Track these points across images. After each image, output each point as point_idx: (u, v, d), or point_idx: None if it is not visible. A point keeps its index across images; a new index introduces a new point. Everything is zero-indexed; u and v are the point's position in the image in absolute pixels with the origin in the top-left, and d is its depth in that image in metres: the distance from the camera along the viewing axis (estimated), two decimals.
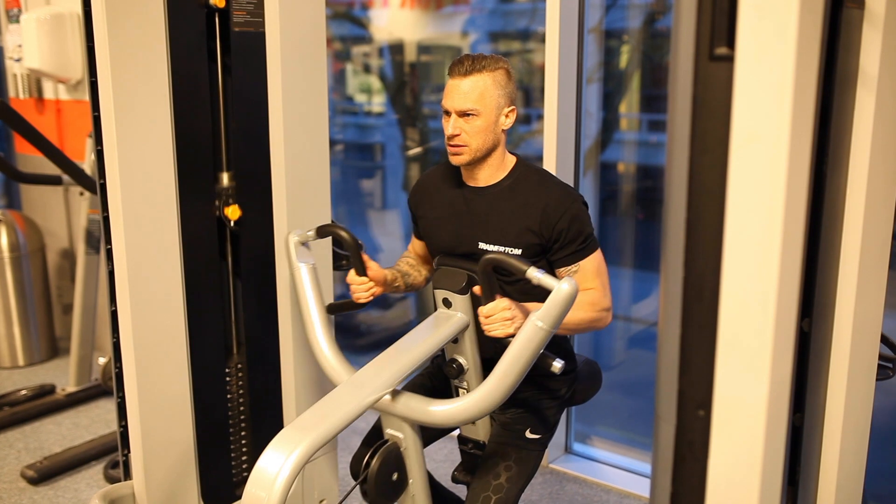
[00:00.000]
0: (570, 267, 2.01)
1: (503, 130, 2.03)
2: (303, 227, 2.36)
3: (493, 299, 1.85)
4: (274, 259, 2.42)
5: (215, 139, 2.52)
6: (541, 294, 2.00)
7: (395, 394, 1.91)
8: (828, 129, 1.35)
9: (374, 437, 2.22)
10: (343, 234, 2.11)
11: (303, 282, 2.17)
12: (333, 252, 2.54)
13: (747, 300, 1.01)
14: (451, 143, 2.01)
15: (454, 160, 2.03)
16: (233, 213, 2.49)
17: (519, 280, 2.02)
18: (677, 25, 1.02)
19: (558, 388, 2.17)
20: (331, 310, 2.16)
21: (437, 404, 1.88)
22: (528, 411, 2.12)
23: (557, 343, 2.14)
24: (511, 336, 1.83)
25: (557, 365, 1.82)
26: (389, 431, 2.00)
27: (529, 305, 1.88)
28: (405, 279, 2.26)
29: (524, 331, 1.76)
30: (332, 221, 2.13)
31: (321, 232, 2.19)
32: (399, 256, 2.38)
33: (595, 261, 2.02)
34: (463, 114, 1.98)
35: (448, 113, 2.01)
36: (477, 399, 1.82)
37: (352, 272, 2.11)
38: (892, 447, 3.12)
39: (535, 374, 2.12)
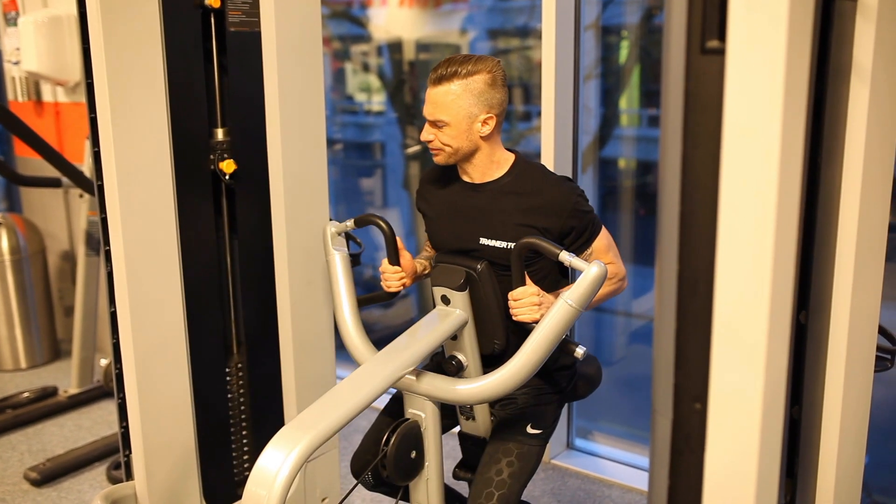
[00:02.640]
0: (585, 252, 2.05)
1: (482, 137, 2.02)
2: (301, 226, 2.37)
3: (522, 283, 1.93)
4: (272, 261, 2.42)
5: (212, 139, 2.52)
6: (549, 286, 2.04)
7: (418, 373, 1.98)
8: (822, 122, 1.35)
9: (376, 434, 2.22)
10: (381, 223, 2.17)
11: (336, 268, 2.26)
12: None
13: (742, 293, 1.01)
14: (428, 145, 2.07)
15: (434, 159, 2.09)
16: (228, 166, 2.54)
17: (531, 267, 2.03)
18: (668, 19, 1.02)
19: (558, 383, 2.17)
20: (359, 303, 2.24)
21: (461, 383, 1.95)
22: (528, 407, 2.12)
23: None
24: (536, 322, 1.89)
25: (580, 351, 1.94)
26: (412, 410, 2.06)
27: (552, 296, 1.95)
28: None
29: (555, 308, 1.84)
30: (374, 215, 2.23)
31: (360, 222, 2.25)
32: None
33: (604, 238, 2.08)
34: (433, 123, 2.01)
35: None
36: (505, 376, 1.89)
37: (385, 261, 2.18)
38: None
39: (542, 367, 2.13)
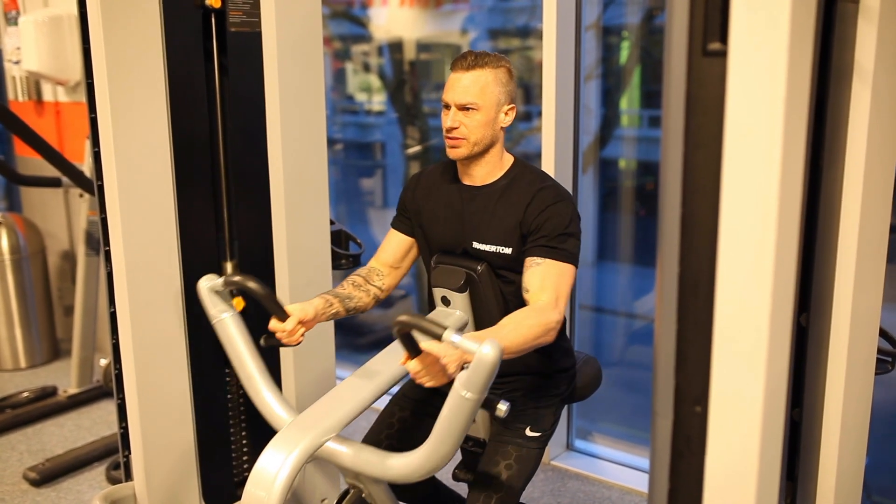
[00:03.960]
0: (535, 258, 1.93)
1: (502, 128, 2.03)
2: (302, 226, 2.37)
3: (417, 354, 1.65)
4: (273, 262, 2.42)
5: (212, 139, 2.52)
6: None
7: (348, 445, 1.82)
8: (824, 124, 1.35)
9: (376, 434, 2.22)
10: (252, 285, 1.94)
11: (228, 335, 2.07)
12: (332, 252, 2.54)
13: (743, 295, 1.01)
14: (450, 135, 2.00)
15: (452, 153, 2.02)
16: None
17: (516, 281, 2.01)
18: (670, 20, 1.02)
19: (558, 385, 2.17)
20: (268, 342, 2.02)
21: (388, 458, 1.80)
22: (527, 409, 2.12)
23: (556, 342, 2.14)
24: (452, 380, 1.66)
25: (503, 408, 1.66)
26: (349, 480, 1.97)
27: (476, 336, 1.66)
28: (345, 303, 2.08)
29: (451, 402, 1.63)
30: (244, 275, 1.99)
31: (228, 283, 2.04)
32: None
33: (561, 269, 1.92)
34: (463, 107, 1.98)
35: (448, 106, 2.00)
36: (415, 461, 1.74)
37: (273, 320, 1.94)
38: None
39: (533, 372, 2.13)
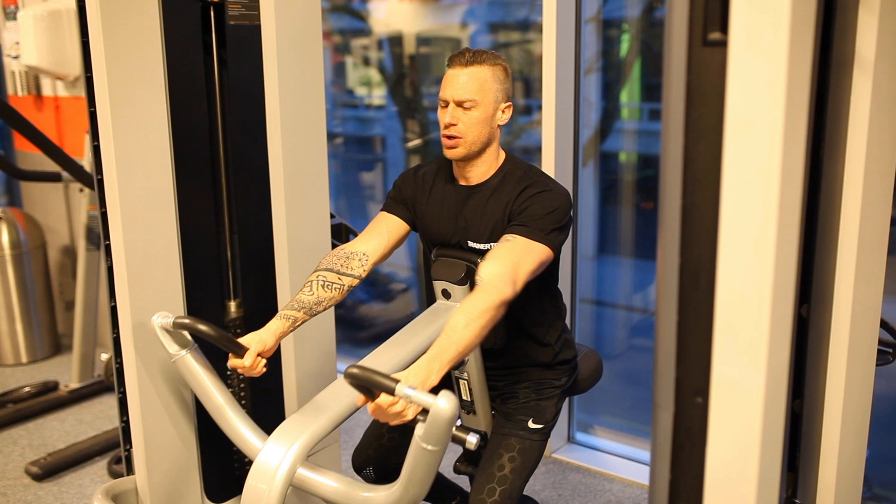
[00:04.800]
0: (507, 235, 1.90)
1: (499, 126, 2.02)
2: (302, 220, 2.36)
3: (374, 398, 1.58)
4: (273, 255, 2.42)
5: (212, 133, 2.51)
6: (533, 295, 2.00)
7: (319, 472, 1.79)
8: (824, 114, 1.35)
9: (378, 428, 2.22)
10: (202, 328, 1.91)
11: (190, 371, 2.06)
12: (333, 245, 2.54)
13: (743, 287, 1.01)
14: (448, 132, 1.98)
15: (449, 153, 2.00)
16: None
17: None
18: (670, 11, 1.01)
19: (559, 377, 2.17)
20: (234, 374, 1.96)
21: (364, 493, 1.76)
22: (529, 402, 2.12)
23: (557, 334, 2.14)
24: (413, 421, 1.59)
25: (472, 440, 1.56)
26: None
27: (422, 369, 1.63)
28: (312, 311, 2.01)
29: (414, 452, 1.60)
30: (193, 318, 1.96)
31: (177, 325, 2.02)
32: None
33: (530, 246, 1.87)
34: (461, 103, 1.96)
35: (446, 104, 1.99)
36: (388, 499, 1.71)
37: (231, 357, 1.89)
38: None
39: (534, 364, 2.13)
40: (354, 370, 1.55)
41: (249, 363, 1.87)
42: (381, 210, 2.18)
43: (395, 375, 1.57)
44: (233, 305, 2.66)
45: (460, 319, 1.70)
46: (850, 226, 1.43)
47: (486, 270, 1.79)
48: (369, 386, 1.56)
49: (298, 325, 2.00)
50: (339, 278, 2.03)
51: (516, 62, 4.10)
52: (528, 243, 1.88)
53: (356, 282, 2.07)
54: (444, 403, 1.50)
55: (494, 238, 1.99)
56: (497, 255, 1.84)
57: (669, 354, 1.10)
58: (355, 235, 2.61)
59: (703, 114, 1.00)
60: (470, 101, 1.96)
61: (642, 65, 3.67)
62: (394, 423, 1.60)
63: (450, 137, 1.99)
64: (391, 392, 1.53)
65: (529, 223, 1.90)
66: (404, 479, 1.65)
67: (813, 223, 1.41)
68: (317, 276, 2.03)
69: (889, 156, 1.43)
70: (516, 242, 1.87)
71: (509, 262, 1.81)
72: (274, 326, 1.95)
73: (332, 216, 2.55)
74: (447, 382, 2.21)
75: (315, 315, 2.02)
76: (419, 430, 1.56)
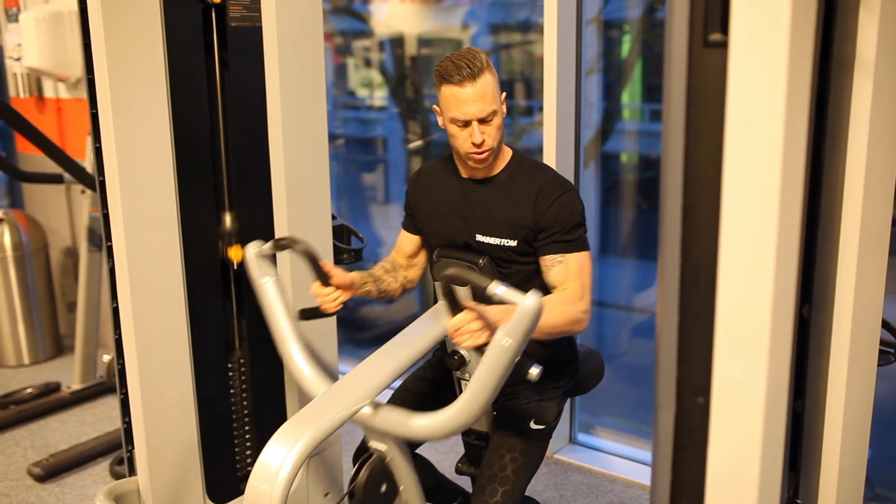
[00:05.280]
0: (555, 256, 1.96)
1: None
2: (303, 221, 2.37)
3: (459, 311, 1.73)
4: (274, 256, 2.42)
5: (213, 134, 2.51)
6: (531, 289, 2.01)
7: (375, 406, 1.86)
8: (825, 115, 1.35)
9: None
10: (298, 246, 2.01)
11: (269, 298, 2.13)
12: (334, 246, 2.54)
13: (744, 287, 1.01)
14: (479, 150, 1.95)
15: (481, 168, 2.00)
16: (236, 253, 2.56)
17: (519, 272, 2.02)
18: (671, 11, 1.01)
19: (561, 378, 2.17)
20: (304, 315, 2.10)
21: (416, 418, 1.83)
22: (531, 402, 2.12)
23: None
24: (485, 344, 1.71)
25: (534, 371, 1.73)
26: (373, 444, 1.97)
27: (499, 310, 1.76)
28: (378, 284, 2.16)
29: (491, 350, 1.67)
30: (292, 237, 2.06)
31: (278, 245, 2.09)
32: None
33: (580, 260, 1.96)
34: (484, 119, 1.93)
35: (466, 123, 1.93)
36: (449, 416, 1.78)
37: (315, 284, 2.01)
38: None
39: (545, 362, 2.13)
40: (451, 270, 1.69)
41: (332, 292, 2.01)
42: (402, 225, 2.30)
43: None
44: (234, 306, 2.66)
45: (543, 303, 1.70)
46: (851, 226, 1.43)
47: (561, 290, 1.94)
48: (465, 282, 1.73)
49: (366, 290, 2.13)
50: (394, 270, 2.24)
51: (517, 63, 4.10)
52: (578, 257, 1.97)
53: (408, 284, 2.27)
54: (531, 300, 1.59)
55: (509, 235, 2.00)
56: (561, 279, 1.96)
57: (671, 354, 1.09)
58: (357, 237, 2.62)
59: (703, 114, 1.00)
60: (493, 112, 1.94)
61: (643, 66, 3.67)
62: (466, 343, 1.71)
63: (480, 153, 1.96)
64: (485, 288, 1.62)
65: (566, 236, 1.96)
66: (472, 388, 1.72)
67: (814, 223, 1.41)
68: (382, 262, 2.25)
69: (890, 156, 1.43)
70: (569, 262, 1.96)
71: (577, 281, 1.94)
72: (353, 274, 2.09)
73: (333, 217, 2.56)
74: (449, 384, 2.21)
75: (380, 294, 2.18)
76: (500, 330, 1.65)
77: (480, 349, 1.73)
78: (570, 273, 1.95)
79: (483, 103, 1.91)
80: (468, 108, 1.91)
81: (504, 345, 1.65)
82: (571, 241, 1.96)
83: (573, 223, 1.96)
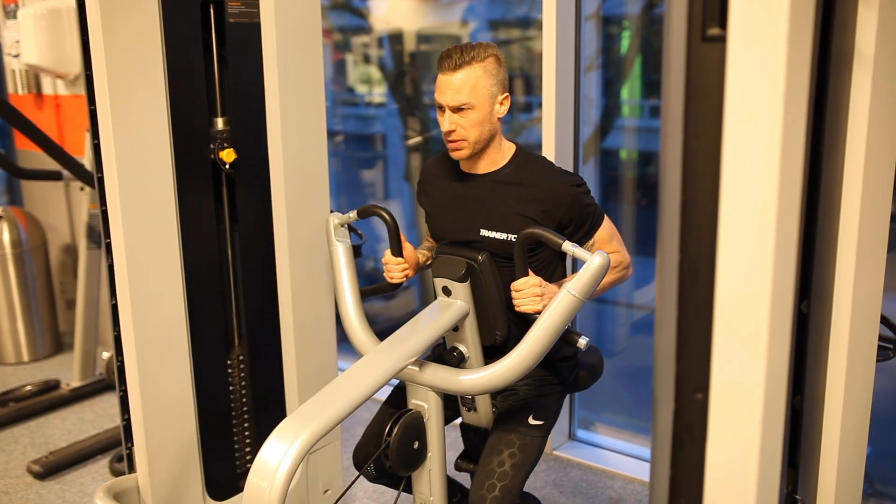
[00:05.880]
0: (587, 243, 2.06)
1: (499, 119, 2.02)
2: (302, 217, 2.37)
3: (525, 274, 1.93)
4: (273, 253, 2.42)
5: (212, 129, 2.51)
6: (549, 276, 2.05)
7: (421, 364, 1.99)
8: (824, 110, 1.35)
9: (378, 426, 2.22)
10: (384, 214, 2.16)
11: (339, 260, 2.25)
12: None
13: (743, 283, 1.01)
14: (449, 138, 1.99)
15: (455, 155, 2.03)
16: (228, 155, 2.55)
17: (532, 257, 2.03)
18: (669, 6, 1.01)
19: (560, 374, 2.17)
20: (361, 295, 2.23)
21: (465, 373, 1.95)
22: (530, 398, 2.12)
23: None
24: (538, 312, 1.89)
25: (582, 341, 1.94)
26: (415, 401, 2.06)
27: (555, 288, 1.94)
28: (429, 260, 2.30)
29: (558, 299, 1.85)
30: (377, 205, 2.24)
31: (363, 213, 2.24)
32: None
33: (607, 228, 2.08)
34: (457, 108, 1.96)
35: (442, 108, 1.98)
36: (509, 365, 1.88)
37: (388, 252, 2.17)
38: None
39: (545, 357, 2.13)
40: (530, 229, 1.90)
41: (401, 263, 2.17)
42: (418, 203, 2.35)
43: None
44: (233, 302, 2.66)
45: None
46: (850, 222, 1.43)
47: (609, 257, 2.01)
48: (540, 238, 1.89)
49: (425, 264, 2.30)
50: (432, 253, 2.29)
51: (517, 59, 4.09)
52: (602, 228, 2.08)
53: None
54: (599, 258, 1.82)
55: (511, 230, 2.01)
56: (604, 248, 2.07)
57: (669, 351, 1.09)
58: (356, 233, 2.62)
59: (702, 110, 1.00)
60: (465, 105, 1.95)
61: (643, 61, 3.67)
62: (524, 306, 1.92)
63: (450, 140, 2.00)
64: (559, 245, 1.86)
65: (589, 222, 2.06)
66: (534, 333, 1.86)
67: (813, 219, 1.40)
68: (424, 244, 2.36)
69: (889, 151, 1.43)
70: (600, 237, 2.09)
71: (614, 244, 2.11)
72: (417, 252, 2.26)
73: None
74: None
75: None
76: (569, 280, 1.86)
77: (523, 322, 1.93)
78: (604, 244, 2.08)
79: (456, 93, 1.94)
80: (443, 94, 1.97)
81: (572, 293, 1.84)
82: (593, 224, 2.06)
83: (590, 213, 2.04)
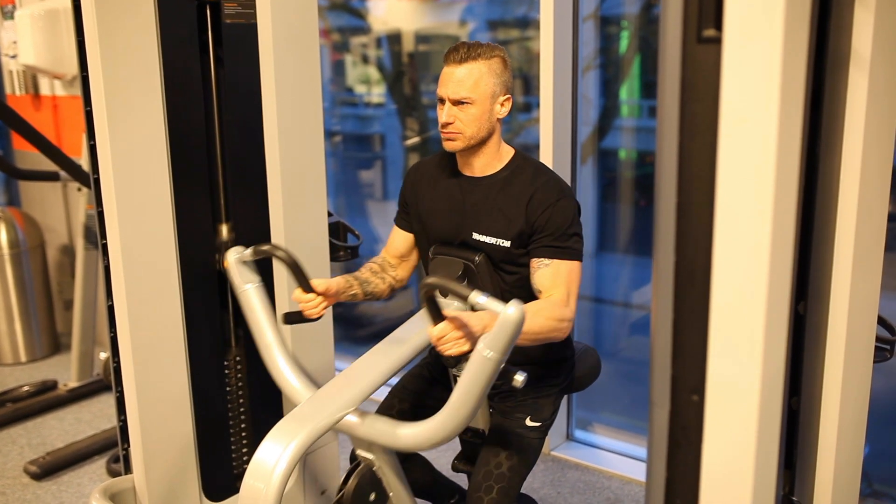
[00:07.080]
0: (542, 259, 1.95)
1: (498, 119, 2.02)
2: (299, 218, 2.36)
3: (441, 320, 1.70)
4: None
5: (208, 132, 2.51)
6: (529, 294, 1.98)
7: (361, 415, 1.85)
8: (820, 111, 1.35)
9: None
10: (279, 253, 1.99)
11: (252, 305, 2.10)
12: (331, 244, 2.54)
13: (739, 284, 1.01)
14: (445, 130, 1.99)
15: (448, 146, 2.02)
16: None
17: (515, 273, 2.01)
18: (665, 7, 1.01)
19: (557, 375, 2.17)
20: (288, 319, 2.09)
21: (402, 427, 1.82)
22: (527, 399, 2.12)
23: None
24: (469, 351, 1.69)
25: (520, 378, 1.72)
26: (360, 452, 1.97)
27: (482, 317, 1.72)
28: (364, 287, 2.14)
29: (473, 362, 1.65)
30: (273, 244, 2.05)
31: (258, 252, 2.06)
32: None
33: (569, 267, 1.95)
34: (457, 102, 1.96)
35: (443, 101, 1.99)
36: (434, 427, 1.76)
37: (297, 290, 2.00)
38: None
39: (532, 362, 2.12)
40: (431, 279, 1.67)
41: (314, 299, 1.98)
42: (394, 221, 2.28)
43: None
44: (230, 303, 2.65)
45: (526, 309, 1.66)
46: (846, 222, 1.43)
47: (550, 294, 1.92)
48: (446, 291, 1.72)
49: (351, 294, 2.11)
50: (382, 271, 2.21)
51: (515, 59, 4.09)
52: (567, 265, 1.95)
53: (396, 283, 2.24)
54: (513, 310, 1.57)
55: (504, 235, 1.99)
56: (547, 283, 1.94)
57: (665, 352, 1.09)
58: (353, 234, 2.61)
59: (697, 111, 1.00)
60: (465, 98, 1.95)
61: (641, 61, 3.67)
62: (450, 351, 1.70)
63: (446, 132, 2.00)
64: (465, 298, 1.62)
65: (557, 242, 1.95)
66: (455, 400, 1.70)
67: (809, 220, 1.41)
68: (369, 263, 2.22)
69: (885, 152, 1.43)
70: (557, 268, 1.94)
71: (563, 287, 1.93)
72: (337, 280, 2.07)
73: (329, 214, 2.55)
74: (445, 381, 2.21)
75: (367, 296, 2.16)
76: (482, 341, 1.63)
77: (465, 356, 1.70)
78: (557, 279, 1.93)
79: (458, 86, 1.95)
80: (445, 87, 1.97)
81: (486, 356, 1.63)
82: (562, 248, 1.95)
83: (566, 230, 1.95)
